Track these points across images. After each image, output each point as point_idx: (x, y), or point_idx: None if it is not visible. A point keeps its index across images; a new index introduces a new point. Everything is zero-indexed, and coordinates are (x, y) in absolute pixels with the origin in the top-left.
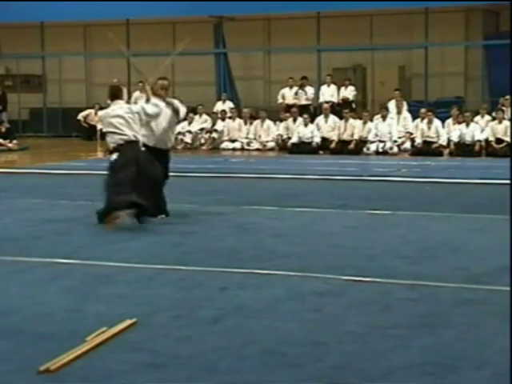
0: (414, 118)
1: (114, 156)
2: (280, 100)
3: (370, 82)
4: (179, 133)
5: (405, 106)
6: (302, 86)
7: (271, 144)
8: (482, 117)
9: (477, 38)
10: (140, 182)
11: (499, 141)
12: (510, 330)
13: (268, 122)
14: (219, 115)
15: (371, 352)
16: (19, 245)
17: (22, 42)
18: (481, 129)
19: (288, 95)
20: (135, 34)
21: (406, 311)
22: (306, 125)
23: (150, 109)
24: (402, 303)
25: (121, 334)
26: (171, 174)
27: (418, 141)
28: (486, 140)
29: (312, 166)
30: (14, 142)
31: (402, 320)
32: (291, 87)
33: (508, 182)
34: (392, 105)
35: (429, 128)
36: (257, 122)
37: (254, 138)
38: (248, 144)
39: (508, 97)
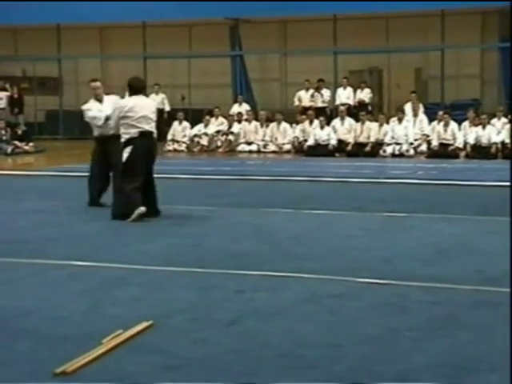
0: (431, 120)
1: None
2: (296, 102)
3: (386, 84)
4: (195, 135)
5: (421, 109)
6: (318, 89)
7: (287, 146)
8: (499, 119)
9: (493, 40)
10: None
11: None
12: (509, 330)
13: (284, 125)
14: (235, 117)
15: (387, 354)
16: (35, 247)
17: (38, 44)
18: (497, 131)
19: (304, 97)
20: (151, 37)
21: (422, 313)
22: (322, 127)
23: None
24: (418, 305)
25: (137, 336)
26: (187, 176)
27: (435, 143)
28: (503, 142)
29: (328, 169)
30: (31, 144)
31: (418, 322)
32: (307, 89)
33: None
34: (408, 107)
35: (445, 130)
36: (273, 125)
37: (271, 141)
38: (264, 146)
39: None
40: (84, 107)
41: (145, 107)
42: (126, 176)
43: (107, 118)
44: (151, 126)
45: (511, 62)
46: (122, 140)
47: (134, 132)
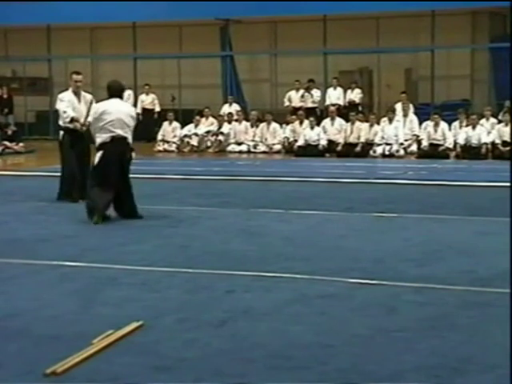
0: (421, 120)
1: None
2: (286, 103)
3: (376, 84)
4: (186, 135)
5: (411, 109)
6: (308, 89)
7: (277, 147)
8: (487, 119)
9: (483, 40)
10: None
11: (506, 143)
12: (509, 330)
13: (274, 125)
14: (226, 118)
15: (378, 355)
16: (26, 247)
17: (28, 45)
18: (487, 131)
19: (294, 98)
20: (141, 37)
21: (413, 314)
22: (312, 127)
23: None
24: (409, 306)
25: (127, 336)
26: (177, 176)
27: (425, 143)
28: (493, 143)
29: (318, 169)
30: (21, 144)
31: (409, 323)
32: (298, 90)
33: None
34: (398, 107)
35: (435, 131)
36: (263, 125)
37: (261, 141)
38: (254, 147)
39: None
40: (59, 95)
41: (120, 110)
42: (95, 180)
43: (73, 120)
44: (125, 132)
45: (511, 62)
46: (96, 145)
47: (106, 137)
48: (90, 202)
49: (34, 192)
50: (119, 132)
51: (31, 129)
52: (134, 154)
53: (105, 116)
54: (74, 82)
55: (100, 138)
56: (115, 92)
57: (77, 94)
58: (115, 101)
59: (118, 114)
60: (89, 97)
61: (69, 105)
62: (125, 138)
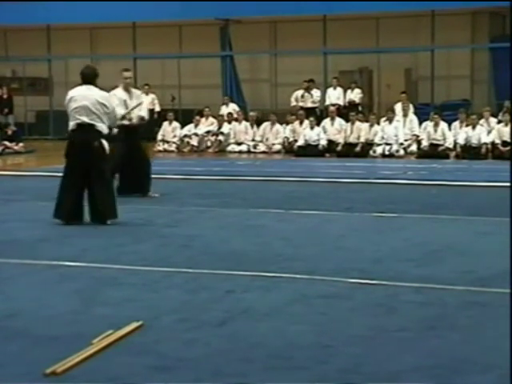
0: (421, 120)
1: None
2: (293, 103)
3: (376, 84)
4: (186, 135)
5: (411, 109)
6: (308, 89)
7: (277, 147)
8: (487, 120)
9: (483, 40)
10: None
11: (506, 143)
12: (510, 330)
13: (277, 126)
14: (225, 118)
15: (377, 355)
16: (26, 247)
17: (28, 45)
18: (487, 131)
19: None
20: (141, 37)
21: (412, 314)
22: (312, 127)
23: None
24: (408, 306)
25: (127, 336)
26: (177, 177)
27: (425, 143)
28: (493, 143)
29: (318, 169)
30: (21, 144)
31: (408, 323)
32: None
33: None
34: (398, 107)
35: (435, 131)
36: (266, 125)
37: (261, 141)
38: (254, 147)
39: None
40: (111, 92)
41: (87, 97)
42: (63, 176)
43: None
44: (91, 119)
45: (511, 62)
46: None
47: (72, 124)
48: (58, 199)
49: (34, 192)
50: (84, 119)
51: (31, 129)
52: (106, 144)
53: (71, 103)
54: (123, 78)
55: (69, 126)
56: (87, 78)
57: (127, 90)
58: (85, 87)
59: (84, 100)
60: (138, 92)
61: (119, 103)
62: (92, 125)
